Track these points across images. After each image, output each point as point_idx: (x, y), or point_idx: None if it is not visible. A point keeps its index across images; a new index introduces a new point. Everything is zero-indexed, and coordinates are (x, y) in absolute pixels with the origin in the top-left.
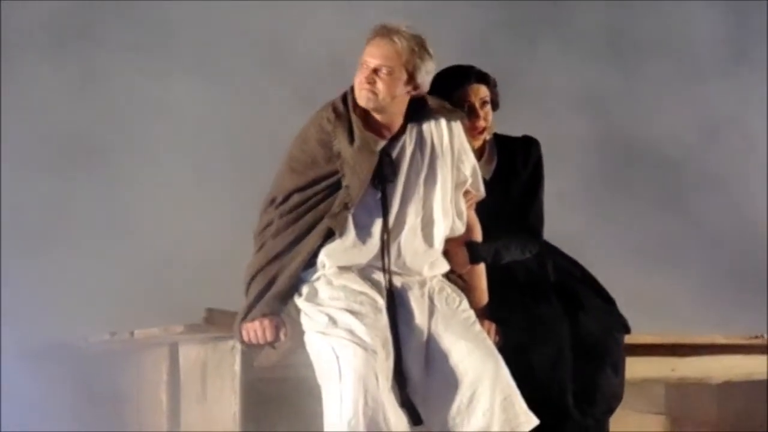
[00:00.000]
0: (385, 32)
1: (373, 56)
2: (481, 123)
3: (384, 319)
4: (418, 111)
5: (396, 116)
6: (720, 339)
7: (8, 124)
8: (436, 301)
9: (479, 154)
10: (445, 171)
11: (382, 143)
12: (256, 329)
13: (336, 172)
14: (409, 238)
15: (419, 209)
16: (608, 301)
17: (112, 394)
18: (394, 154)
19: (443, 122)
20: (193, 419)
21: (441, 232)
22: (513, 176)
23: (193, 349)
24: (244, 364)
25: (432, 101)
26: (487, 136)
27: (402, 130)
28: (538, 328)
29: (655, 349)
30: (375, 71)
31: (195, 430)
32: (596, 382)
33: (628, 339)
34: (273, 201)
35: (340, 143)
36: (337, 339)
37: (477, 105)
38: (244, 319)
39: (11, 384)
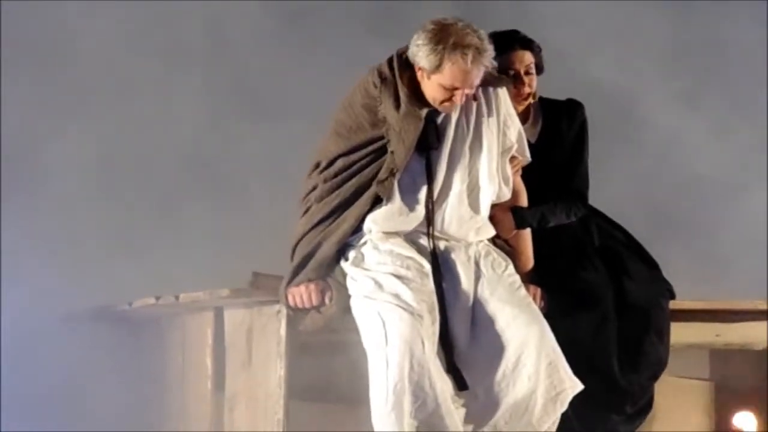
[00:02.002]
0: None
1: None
2: (526, 89)
3: (430, 283)
4: None
5: None
6: (763, 305)
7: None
8: (482, 266)
9: (524, 117)
10: (491, 137)
11: (427, 110)
12: (301, 293)
13: (381, 137)
14: (455, 205)
15: (465, 176)
16: (652, 266)
17: (157, 358)
18: (439, 120)
19: (489, 89)
20: (238, 383)
21: (487, 199)
22: (558, 139)
23: (239, 313)
24: (290, 328)
25: None
26: (531, 100)
27: None
28: (582, 294)
29: (699, 315)
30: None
31: (240, 395)
32: (641, 348)
33: (672, 305)
34: (318, 166)
35: (386, 108)
36: (383, 303)
37: (522, 71)
38: (289, 283)
39: (57, 347)
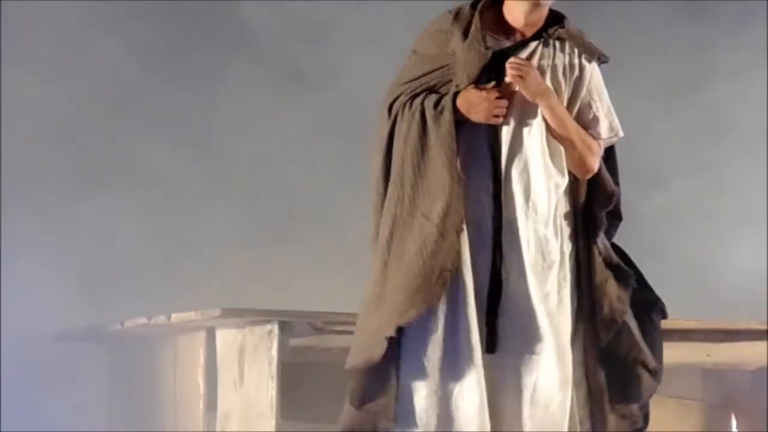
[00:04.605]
0: None
1: None
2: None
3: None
4: (554, 29)
5: (529, 27)
6: (754, 325)
7: None
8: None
9: None
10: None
11: (507, 43)
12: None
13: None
14: (532, 156)
15: (537, 126)
16: (642, 284)
17: (149, 378)
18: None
19: (576, 56)
20: (230, 403)
21: (542, 182)
22: None
23: (230, 333)
24: (281, 347)
25: (572, 28)
26: None
27: (535, 37)
28: None
29: (691, 334)
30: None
31: (232, 414)
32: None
33: (664, 324)
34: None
35: (455, 42)
36: None
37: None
38: None
39: (47, 367)
